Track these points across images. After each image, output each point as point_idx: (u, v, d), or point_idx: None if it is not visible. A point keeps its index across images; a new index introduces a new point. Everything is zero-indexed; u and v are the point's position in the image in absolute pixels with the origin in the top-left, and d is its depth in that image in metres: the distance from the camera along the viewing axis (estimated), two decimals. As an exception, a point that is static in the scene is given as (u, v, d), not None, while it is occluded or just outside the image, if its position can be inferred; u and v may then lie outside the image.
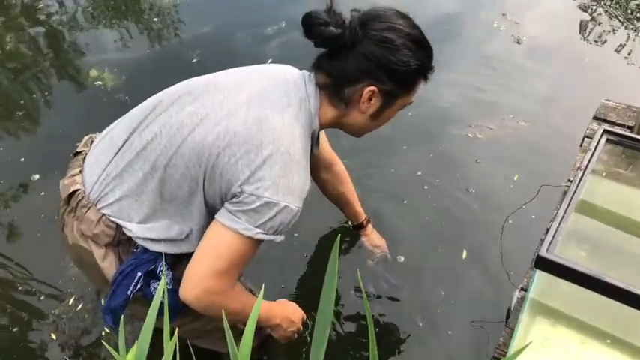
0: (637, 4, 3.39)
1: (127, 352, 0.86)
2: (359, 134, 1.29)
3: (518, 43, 3.03)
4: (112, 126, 1.27)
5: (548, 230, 1.11)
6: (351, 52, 1.10)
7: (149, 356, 0.84)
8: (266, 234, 1.09)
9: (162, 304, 0.84)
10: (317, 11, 1.07)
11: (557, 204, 1.29)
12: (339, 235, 0.86)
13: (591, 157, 1.28)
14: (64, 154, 1.47)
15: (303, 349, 1.62)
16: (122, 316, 1.04)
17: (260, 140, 1.06)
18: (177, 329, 0.87)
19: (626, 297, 1.00)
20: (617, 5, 3.38)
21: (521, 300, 1.27)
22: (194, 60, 2.91)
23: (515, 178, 2.20)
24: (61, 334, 1.74)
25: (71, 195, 1.18)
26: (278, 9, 3.30)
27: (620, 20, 3.24)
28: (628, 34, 3.13)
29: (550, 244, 1.07)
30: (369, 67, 1.10)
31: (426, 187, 2.17)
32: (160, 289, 0.87)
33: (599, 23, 3.21)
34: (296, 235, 1.93)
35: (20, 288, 1.87)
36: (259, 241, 1.11)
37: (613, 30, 3.15)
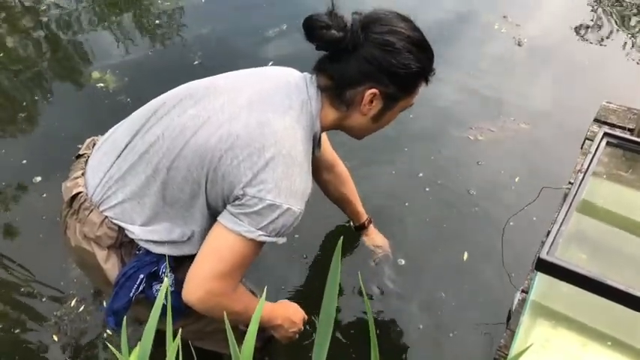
0: (637, 5, 3.39)
1: (130, 353, 0.86)
2: (360, 136, 1.29)
3: (519, 45, 3.03)
4: (113, 128, 1.27)
5: (549, 232, 1.11)
6: (353, 55, 1.10)
7: (151, 358, 0.84)
8: (268, 236, 1.09)
9: (164, 306, 0.85)
10: (318, 14, 1.07)
11: (558, 206, 1.29)
12: (342, 236, 0.86)
13: (592, 159, 1.28)
14: (66, 156, 1.48)
15: (306, 350, 1.62)
16: (124, 318, 1.05)
17: (262, 143, 1.07)
18: (179, 331, 0.87)
19: (627, 299, 1.00)
20: (618, 7, 3.38)
21: (522, 302, 1.27)
22: (196, 62, 2.91)
23: (516, 180, 2.20)
24: (63, 336, 1.74)
25: (73, 197, 1.18)
26: (279, 11, 3.30)
27: (620, 22, 3.24)
28: (628, 36, 3.13)
29: (551, 246, 1.08)
30: (371, 70, 1.11)
31: (427, 189, 2.18)
32: (163, 291, 0.88)
33: (600, 25, 3.21)
34: (297, 236, 1.94)
35: (22, 290, 1.88)
36: (262, 244, 1.11)
37: (613, 32, 3.15)
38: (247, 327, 0.80)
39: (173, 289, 1.17)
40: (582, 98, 2.56)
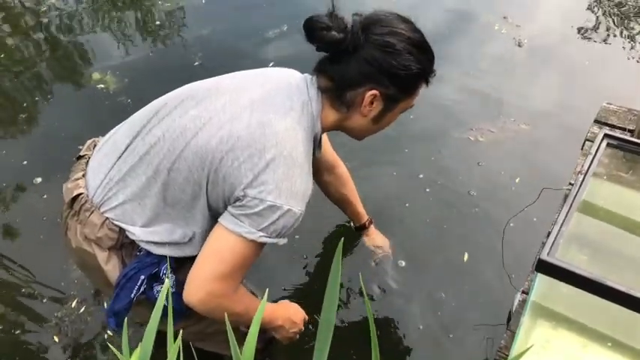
0: (637, 6, 3.39)
1: (131, 354, 0.86)
2: (361, 137, 1.29)
3: (520, 45, 3.03)
4: (114, 130, 1.28)
5: (549, 233, 1.12)
6: (353, 57, 1.10)
7: (152, 359, 0.84)
8: (269, 237, 1.09)
9: (165, 307, 0.85)
10: (319, 15, 1.07)
11: (558, 207, 1.29)
12: (343, 237, 0.87)
13: (592, 160, 1.28)
14: (67, 157, 1.48)
15: (306, 351, 1.62)
16: (125, 319, 1.05)
17: (263, 144, 1.07)
18: (180, 332, 0.87)
19: (627, 300, 1.00)
20: (618, 8, 3.38)
21: (523, 303, 1.28)
22: (196, 63, 2.91)
23: (516, 181, 2.20)
24: (64, 337, 1.74)
25: (74, 199, 1.18)
26: (280, 12, 3.30)
27: (620, 23, 3.24)
28: (628, 36, 3.13)
29: (551, 247, 1.08)
30: (371, 72, 1.11)
31: (427, 190, 2.18)
32: (164, 292, 0.88)
33: (600, 26, 3.21)
34: (297, 237, 1.94)
35: (23, 291, 1.88)
36: (262, 245, 1.12)
37: (614, 33, 3.15)
38: (248, 328, 0.80)
39: (174, 290, 1.18)
40: (582, 99, 2.57)
